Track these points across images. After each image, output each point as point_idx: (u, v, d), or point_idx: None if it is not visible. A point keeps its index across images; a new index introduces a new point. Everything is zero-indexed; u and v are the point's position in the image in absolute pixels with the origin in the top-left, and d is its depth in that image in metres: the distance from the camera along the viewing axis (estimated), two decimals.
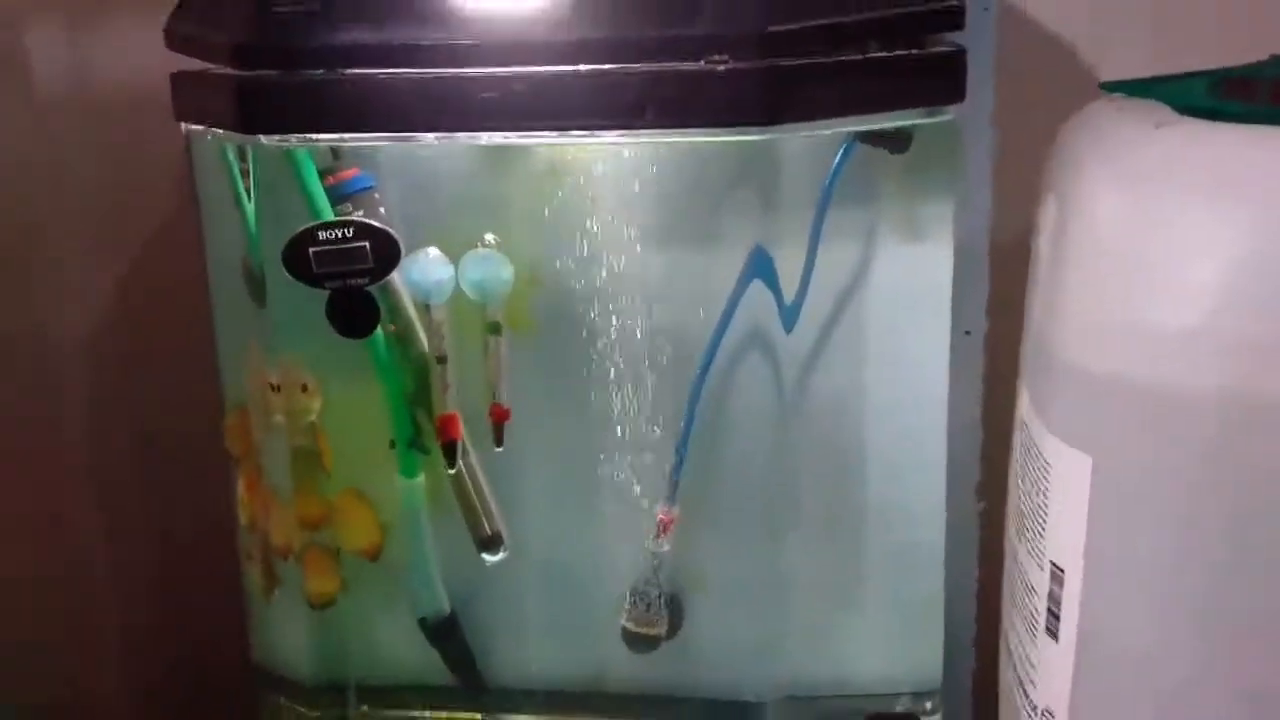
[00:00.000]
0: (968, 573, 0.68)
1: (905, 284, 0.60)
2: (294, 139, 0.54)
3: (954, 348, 0.65)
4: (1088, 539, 0.46)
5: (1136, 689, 0.46)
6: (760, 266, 0.58)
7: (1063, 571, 0.48)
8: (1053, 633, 0.49)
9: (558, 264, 0.59)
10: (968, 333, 0.65)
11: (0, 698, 0.80)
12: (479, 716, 0.70)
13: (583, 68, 0.50)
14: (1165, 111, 0.48)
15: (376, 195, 0.58)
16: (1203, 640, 0.44)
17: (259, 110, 0.53)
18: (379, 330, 0.59)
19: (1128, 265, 0.44)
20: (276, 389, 0.60)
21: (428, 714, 0.71)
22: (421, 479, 0.64)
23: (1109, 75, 0.54)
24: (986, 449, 0.67)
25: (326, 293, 0.56)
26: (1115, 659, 0.47)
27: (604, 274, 0.59)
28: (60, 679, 0.84)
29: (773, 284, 0.58)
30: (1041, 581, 0.50)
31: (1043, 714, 0.51)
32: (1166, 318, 0.42)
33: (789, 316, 0.59)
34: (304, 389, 0.60)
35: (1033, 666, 0.51)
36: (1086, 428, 0.46)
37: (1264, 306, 0.41)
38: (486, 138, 0.53)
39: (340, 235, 0.54)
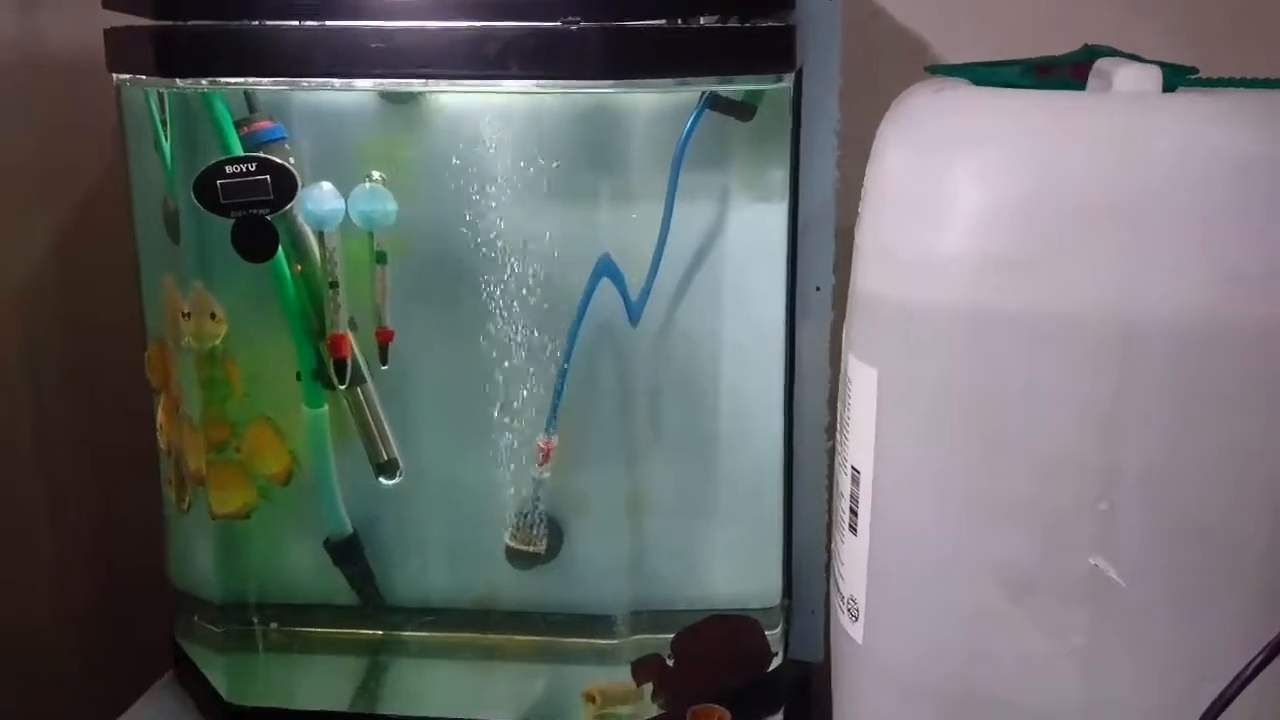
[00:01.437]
0: (819, 503, 0.76)
1: (748, 240, 0.68)
2: (205, 83, 0.62)
3: (805, 302, 0.74)
4: (875, 442, 0.54)
5: (916, 572, 0.54)
6: (607, 269, 0.66)
7: (859, 473, 0.56)
8: (854, 529, 0.57)
9: (436, 204, 0.66)
10: (818, 288, 0.73)
11: None
12: (380, 633, 0.76)
13: (458, 24, 0.58)
14: (970, 86, 0.57)
15: (287, 145, 0.65)
16: (961, 522, 0.52)
17: (174, 56, 0.61)
18: (281, 258, 0.65)
19: (901, 204, 0.52)
20: (187, 316, 0.67)
21: (332, 631, 0.77)
22: (325, 409, 0.71)
23: (953, 61, 0.62)
24: (834, 394, 0.75)
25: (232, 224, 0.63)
26: (898, 546, 0.55)
27: (481, 219, 0.66)
28: None
29: (620, 284, 0.66)
30: (846, 484, 0.57)
31: (849, 601, 0.58)
32: (926, 246, 0.50)
33: (635, 310, 0.66)
34: (212, 316, 0.66)
35: (842, 562, 0.59)
36: (873, 345, 0.54)
37: (1001, 236, 0.49)
38: (374, 83, 0.62)
39: (245, 170, 0.62)
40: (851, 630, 0.58)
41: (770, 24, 0.60)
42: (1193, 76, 0.56)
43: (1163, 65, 0.53)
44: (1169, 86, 0.53)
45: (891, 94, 0.58)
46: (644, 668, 0.71)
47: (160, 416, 0.74)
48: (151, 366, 0.73)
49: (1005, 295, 0.49)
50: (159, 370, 0.73)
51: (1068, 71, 0.59)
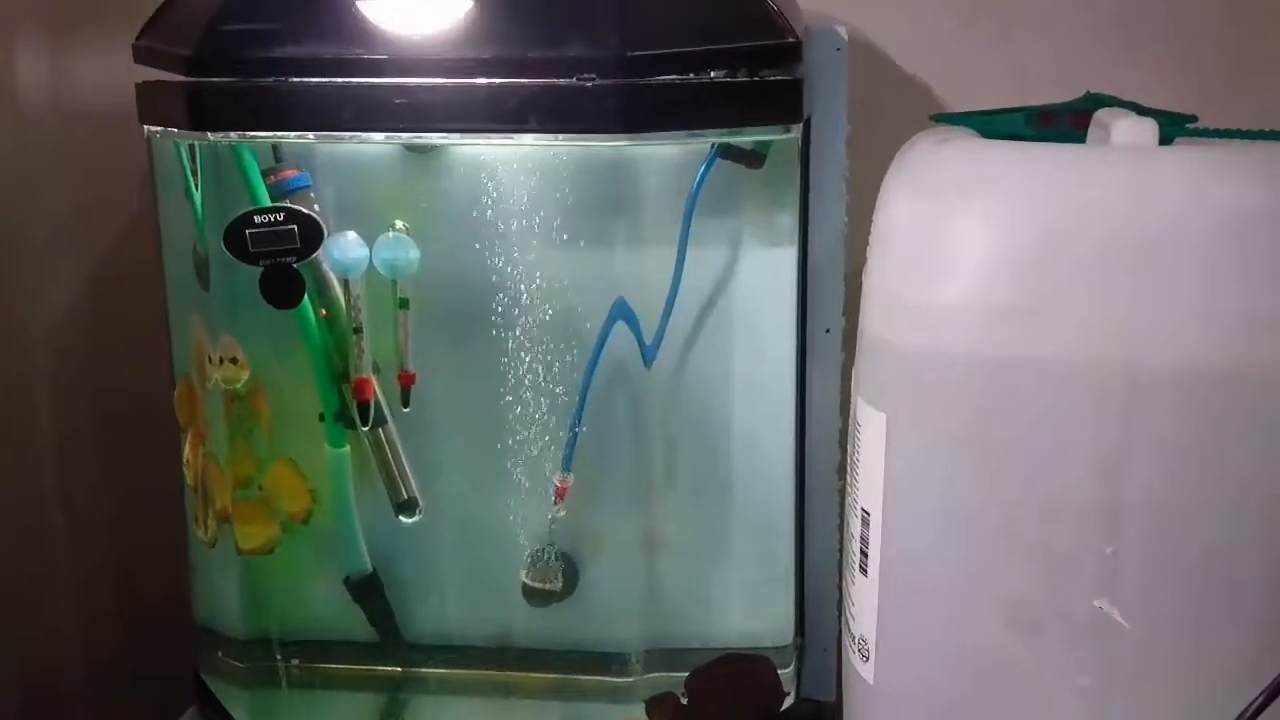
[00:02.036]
0: (829, 542, 0.77)
1: (760, 284, 0.70)
2: (234, 136, 0.64)
3: (815, 344, 0.75)
4: (884, 484, 0.56)
5: (923, 609, 0.55)
6: (622, 312, 0.67)
7: (869, 514, 0.57)
8: (864, 570, 0.58)
9: (457, 252, 0.68)
10: (828, 331, 0.74)
11: None
12: (399, 669, 0.77)
13: (478, 80, 0.61)
14: (973, 137, 0.58)
15: (312, 193, 0.67)
16: (969, 563, 0.53)
17: (205, 111, 0.63)
18: (306, 304, 0.68)
19: (906, 251, 0.54)
20: (213, 361, 0.69)
21: (353, 667, 0.78)
22: (347, 449, 0.72)
23: (958, 107, 0.63)
24: (845, 434, 0.76)
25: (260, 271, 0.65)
26: (907, 587, 0.56)
27: (501, 265, 0.68)
28: (18, 652, 0.91)
29: (634, 327, 0.68)
30: (856, 526, 0.59)
31: (859, 641, 0.59)
32: (931, 293, 0.52)
33: (649, 352, 0.68)
34: (234, 361, 0.69)
35: (853, 602, 0.60)
36: (880, 389, 0.56)
37: (1004, 284, 0.50)
38: (399, 137, 0.64)
39: (272, 220, 0.64)
40: (862, 670, 0.59)
41: (778, 77, 0.62)
42: (1191, 125, 0.57)
43: (1161, 115, 0.55)
44: (1167, 137, 0.55)
45: (898, 140, 0.60)
46: (659, 707, 0.72)
47: (187, 452, 0.76)
48: (180, 405, 0.75)
49: (1010, 341, 0.51)
50: (186, 409, 0.74)
51: (1069, 120, 0.60)
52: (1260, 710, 0.45)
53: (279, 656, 0.75)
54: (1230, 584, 0.50)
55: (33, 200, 0.89)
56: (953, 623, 0.54)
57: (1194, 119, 0.57)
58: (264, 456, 0.72)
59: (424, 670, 0.77)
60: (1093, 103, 0.59)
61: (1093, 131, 0.55)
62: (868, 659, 0.58)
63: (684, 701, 0.72)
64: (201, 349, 0.70)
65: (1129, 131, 0.52)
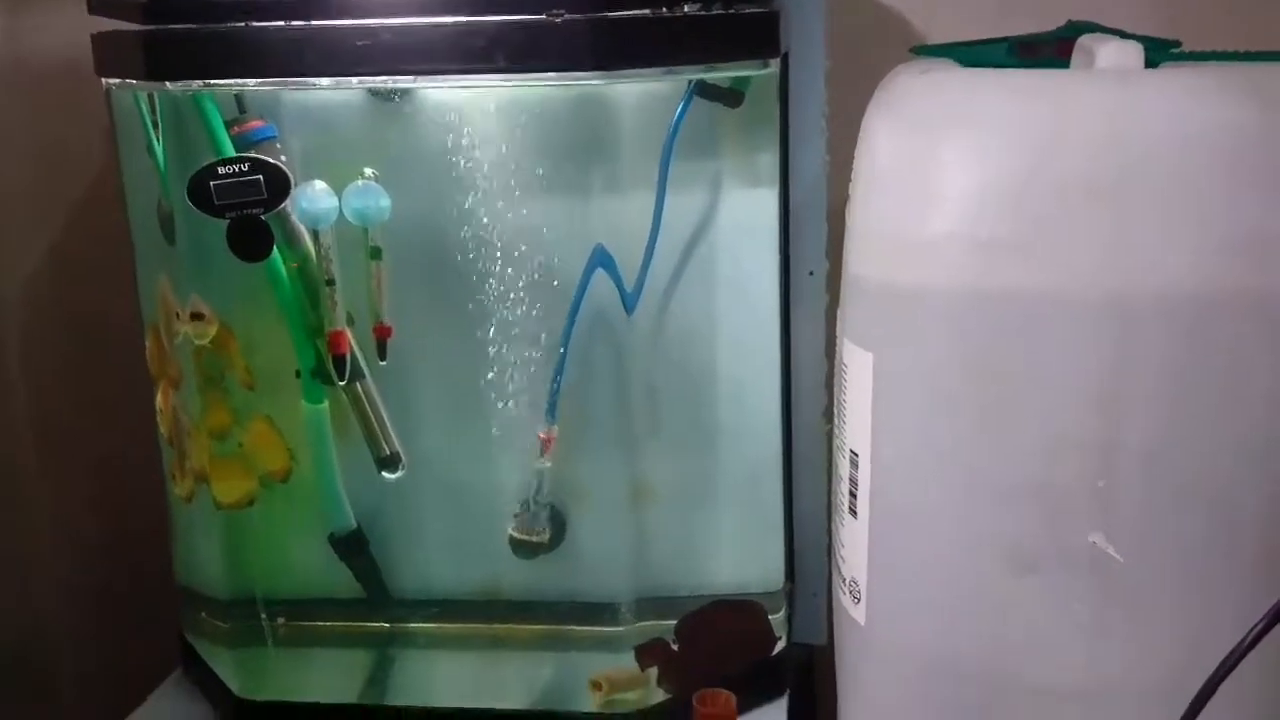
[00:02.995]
0: (819, 485, 0.76)
1: (741, 226, 0.68)
2: (195, 85, 0.62)
3: (798, 287, 0.74)
4: (873, 425, 0.55)
5: (915, 549, 0.55)
6: (601, 259, 0.66)
7: (858, 456, 0.56)
8: (854, 511, 0.57)
9: (430, 200, 0.66)
10: (811, 273, 0.73)
11: None
12: (386, 625, 0.77)
13: (443, 19, 0.59)
14: (957, 69, 0.57)
15: (278, 144, 0.66)
16: (961, 501, 0.53)
17: (163, 60, 0.61)
18: (277, 257, 0.66)
19: (890, 187, 0.53)
20: (180, 318, 0.68)
21: (339, 624, 0.78)
22: (325, 405, 0.71)
23: (939, 40, 0.62)
24: (830, 377, 0.75)
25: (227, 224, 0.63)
26: (898, 527, 0.56)
27: (475, 212, 0.66)
28: (2, 610, 0.90)
29: (614, 274, 0.66)
30: (845, 467, 0.58)
31: (850, 583, 0.59)
32: (917, 228, 0.51)
33: (630, 299, 0.67)
34: (200, 317, 0.67)
35: (843, 544, 0.59)
36: (868, 329, 0.55)
37: (991, 216, 0.49)
38: (365, 81, 0.62)
39: (237, 170, 0.62)
40: (854, 612, 0.58)
41: (754, 10, 0.60)
42: (1175, 50, 0.56)
43: (1145, 40, 0.54)
44: (1152, 62, 0.53)
45: (878, 75, 0.58)
46: (648, 652, 0.71)
47: (159, 401, 0.74)
48: (150, 358, 0.73)
49: (997, 275, 0.49)
50: (156, 361, 0.73)
51: (1052, 49, 0.59)
52: (1256, 641, 0.44)
53: (264, 615, 0.75)
54: (1226, 515, 0.49)
55: None
56: (944, 561, 0.53)
57: (1177, 44, 0.56)
58: (239, 408, 0.71)
59: (412, 625, 0.76)
60: (1075, 30, 0.58)
61: (1077, 57, 0.54)
62: (859, 600, 0.58)
63: (674, 648, 0.71)
64: (168, 305, 0.69)
65: (1114, 55, 0.51)
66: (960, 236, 0.50)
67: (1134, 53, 0.52)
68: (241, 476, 0.72)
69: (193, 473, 0.73)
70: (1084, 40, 0.54)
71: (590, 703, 0.70)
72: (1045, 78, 0.51)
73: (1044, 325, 0.49)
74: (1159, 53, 0.55)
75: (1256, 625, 0.43)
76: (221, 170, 0.62)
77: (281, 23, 0.59)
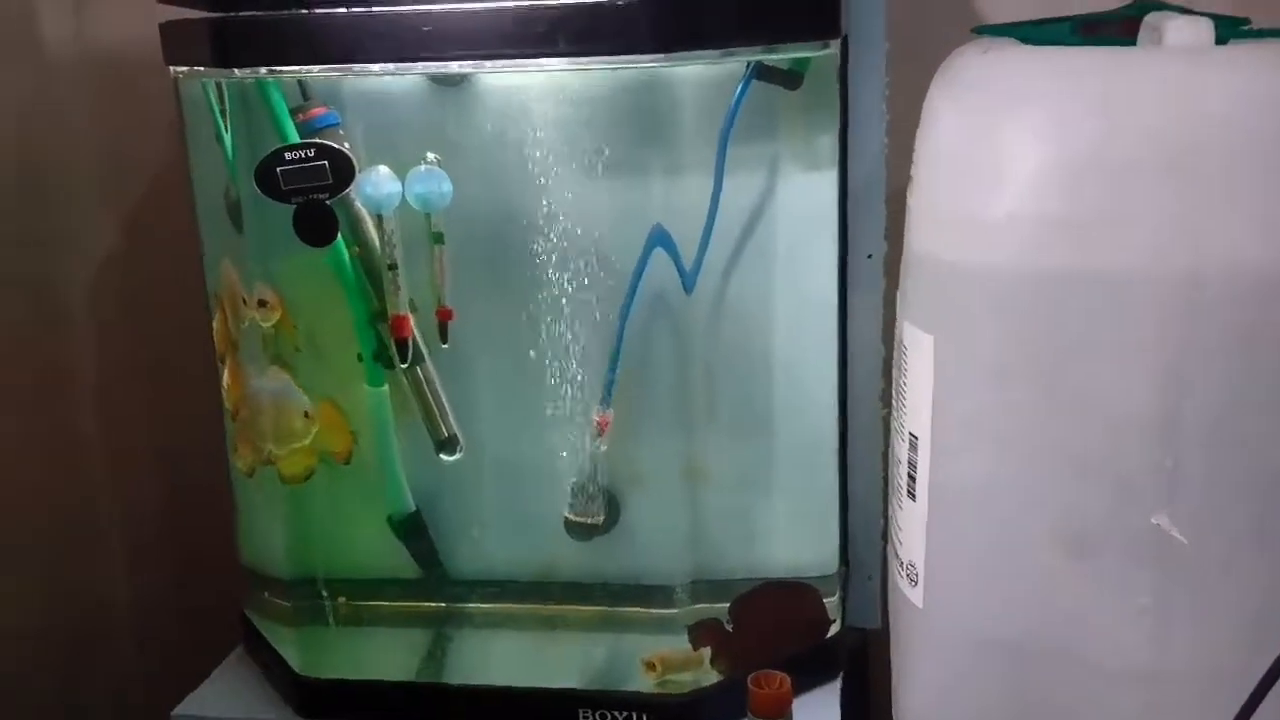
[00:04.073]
0: (874, 469, 0.76)
1: (799, 209, 0.68)
2: (261, 71, 0.63)
3: (856, 270, 0.74)
4: (933, 407, 0.55)
5: (975, 532, 0.55)
6: (660, 239, 0.66)
7: (917, 439, 0.56)
8: (912, 494, 0.57)
9: (491, 184, 0.67)
10: (869, 256, 0.73)
11: (17, 596, 0.88)
12: (444, 605, 0.78)
13: (504, 4, 0.59)
14: (1021, 47, 0.56)
15: (341, 131, 0.66)
16: (1024, 483, 0.52)
17: (231, 48, 0.62)
18: (340, 242, 0.67)
19: (954, 167, 0.52)
20: (248, 304, 0.69)
21: (398, 604, 0.79)
22: (386, 388, 0.72)
23: (1000, 20, 0.61)
24: (888, 362, 0.75)
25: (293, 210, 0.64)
26: (959, 510, 0.55)
27: (535, 195, 0.67)
28: (68, 593, 0.92)
29: (673, 253, 0.66)
30: (903, 451, 0.58)
31: (908, 567, 0.59)
32: (981, 209, 0.50)
33: (689, 279, 0.66)
34: (264, 303, 0.68)
35: (900, 528, 0.59)
36: (929, 310, 0.54)
37: (1056, 196, 0.49)
38: (427, 67, 0.62)
39: (303, 156, 0.63)
40: (911, 595, 0.58)
41: None
42: (1245, 28, 0.55)
43: (1214, 18, 0.53)
44: (1221, 39, 0.52)
45: (939, 56, 0.58)
46: (702, 633, 0.72)
47: (226, 379, 0.75)
48: (218, 336, 0.75)
49: (1063, 254, 0.49)
50: (223, 339, 0.74)
51: (1117, 27, 0.58)
52: None
53: (324, 595, 0.76)
54: None
55: (62, 150, 0.89)
56: (1005, 545, 0.53)
57: (1246, 21, 0.55)
58: (304, 389, 0.72)
59: (468, 606, 0.78)
60: (1141, 9, 0.57)
61: (1144, 35, 0.53)
62: (916, 584, 0.58)
63: (728, 628, 0.72)
64: (235, 291, 0.70)
65: (1183, 32, 0.50)
66: (1024, 216, 0.49)
67: (1204, 29, 0.51)
68: (303, 452, 0.73)
69: (255, 448, 0.74)
70: (1151, 17, 0.53)
71: (645, 683, 0.71)
72: (1111, 55, 0.51)
73: (1108, 304, 0.49)
74: (1228, 30, 0.53)
75: None
76: (288, 156, 0.63)
77: (344, 9, 0.60)
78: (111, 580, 0.96)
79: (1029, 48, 0.53)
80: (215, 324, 0.74)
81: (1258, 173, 0.46)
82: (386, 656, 0.78)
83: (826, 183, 0.68)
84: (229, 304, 0.72)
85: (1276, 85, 0.47)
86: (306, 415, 0.71)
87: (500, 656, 0.77)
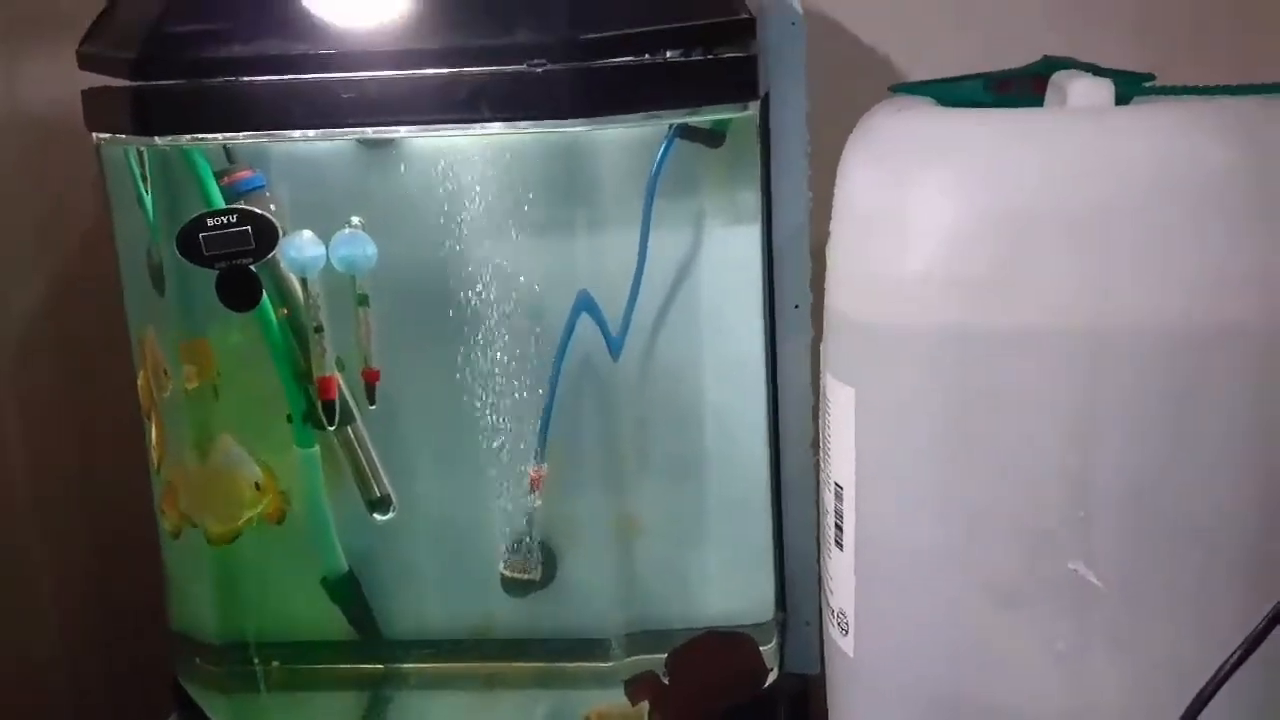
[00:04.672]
0: (808, 515, 0.76)
1: (725, 263, 0.69)
2: (184, 139, 0.63)
3: (784, 320, 0.75)
4: (856, 458, 0.56)
5: (900, 581, 0.55)
6: (585, 304, 0.67)
7: (842, 488, 0.57)
8: (839, 543, 0.58)
9: (417, 246, 0.67)
10: (796, 306, 0.74)
11: None
12: (380, 666, 0.77)
13: (426, 71, 0.60)
14: (930, 105, 0.58)
15: (267, 193, 0.66)
16: (943, 535, 0.53)
17: (152, 116, 0.62)
18: (266, 305, 0.67)
19: (868, 224, 0.54)
20: (167, 374, 0.69)
21: (333, 666, 0.78)
22: (316, 449, 0.72)
23: (918, 76, 0.63)
24: (817, 409, 0.76)
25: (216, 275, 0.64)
26: (883, 559, 0.56)
27: (462, 257, 0.67)
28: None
29: (599, 319, 0.67)
30: (830, 500, 0.59)
31: (839, 614, 0.59)
32: (894, 265, 0.52)
33: (615, 344, 0.68)
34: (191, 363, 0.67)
35: (831, 576, 0.60)
36: (849, 363, 0.55)
37: (966, 253, 0.50)
38: (352, 132, 0.63)
39: (226, 221, 0.63)
40: (842, 643, 0.59)
41: (733, 54, 0.61)
42: (1149, 84, 0.57)
43: (1118, 74, 0.55)
44: (1124, 97, 0.54)
45: (859, 112, 0.59)
46: (639, 686, 0.71)
47: (152, 436, 0.74)
48: (142, 393, 0.74)
49: (974, 312, 0.50)
50: (146, 397, 0.73)
51: (1027, 85, 0.60)
52: (1235, 667, 0.45)
53: (256, 660, 0.75)
54: (1203, 545, 0.50)
55: None
56: (929, 593, 0.54)
57: (1151, 78, 0.57)
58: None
59: (405, 666, 0.77)
60: (1048, 66, 0.59)
61: (1050, 94, 0.55)
62: (847, 632, 0.58)
63: (665, 681, 0.72)
64: (155, 361, 0.69)
65: (1085, 93, 0.52)
66: (937, 275, 0.51)
67: (1104, 90, 0.53)
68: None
69: (180, 510, 0.73)
70: (1056, 77, 0.55)
71: None
72: (1016, 117, 0.52)
73: (1020, 361, 0.50)
74: (1132, 87, 0.55)
75: (1233, 654, 0.44)
76: (210, 222, 0.63)
77: (268, 77, 0.60)
78: (42, 649, 0.93)
79: (940, 109, 0.55)
80: (140, 381, 0.73)
81: (1159, 233, 0.48)
82: None
83: (751, 236, 0.69)
84: (150, 371, 0.71)
85: (1169, 147, 0.49)
86: (257, 486, 0.70)
87: (439, 717, 0.77)
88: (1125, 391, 0.49)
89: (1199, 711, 0.46)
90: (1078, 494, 0.50)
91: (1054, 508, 0.50)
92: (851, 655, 0.58)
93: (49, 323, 0.91)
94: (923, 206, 0.51)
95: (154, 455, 0.75)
